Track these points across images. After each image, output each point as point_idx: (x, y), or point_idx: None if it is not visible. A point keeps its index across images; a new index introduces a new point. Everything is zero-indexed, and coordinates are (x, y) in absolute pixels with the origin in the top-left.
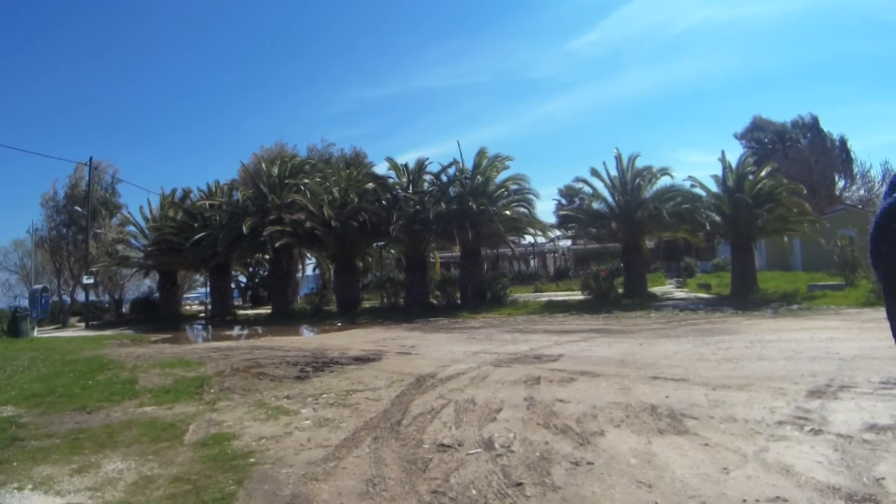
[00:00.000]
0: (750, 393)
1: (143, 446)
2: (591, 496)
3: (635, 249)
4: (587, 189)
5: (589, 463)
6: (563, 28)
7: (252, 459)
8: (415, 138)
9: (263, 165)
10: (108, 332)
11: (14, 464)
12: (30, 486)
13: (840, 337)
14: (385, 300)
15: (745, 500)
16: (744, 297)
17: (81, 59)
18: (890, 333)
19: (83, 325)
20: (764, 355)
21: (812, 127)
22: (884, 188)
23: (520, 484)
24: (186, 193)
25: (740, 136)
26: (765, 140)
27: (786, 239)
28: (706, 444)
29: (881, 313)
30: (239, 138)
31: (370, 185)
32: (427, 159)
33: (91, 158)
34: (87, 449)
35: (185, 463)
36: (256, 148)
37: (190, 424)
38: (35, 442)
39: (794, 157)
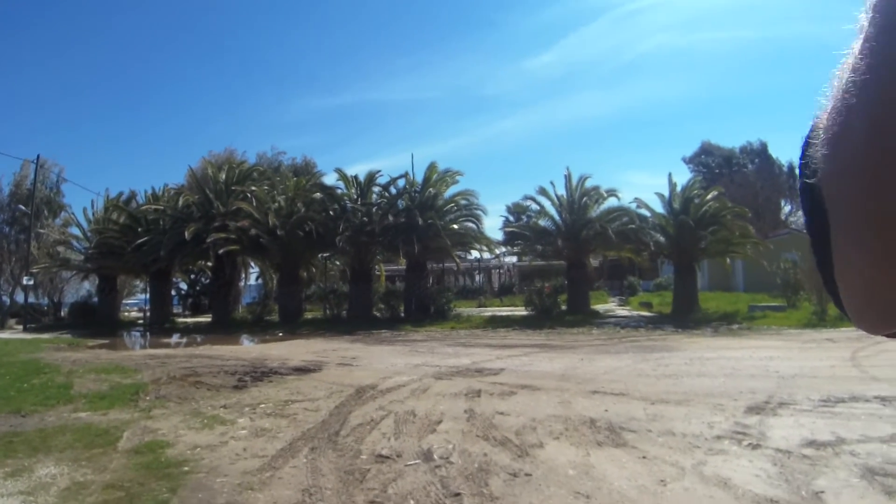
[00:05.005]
0: (689, 408)
1: (76, 452)
2: None
3: (580, 267)
4: (535, 207)
5: (527, 474)
6: (520, 48)
7: (186, 468)
8: (366, 150)
9: (210, 171)
10: (45, 336)
11: None
12: None
13: (780, 356)
14: (328, 311)
15: None
16: (685, 316)
17: (32, 56)
18: (831, 354)
19: (21, 327)
20: (703, 372)
21: (760, 153)
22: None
23: (458, 494)
24: (132, 196)
25: (688, 161)
26: (712, 165)
27: (728, 261)
28: (644, 457)
29: (822, 334)
30: (189, 143)
31: (318, 195)
32: (378, 171)
33: (38, 156)
34: (21, 453)
35: (118, 470)
36: (206, 153)
37: (124, 431)
38: None
39: (741, 182)
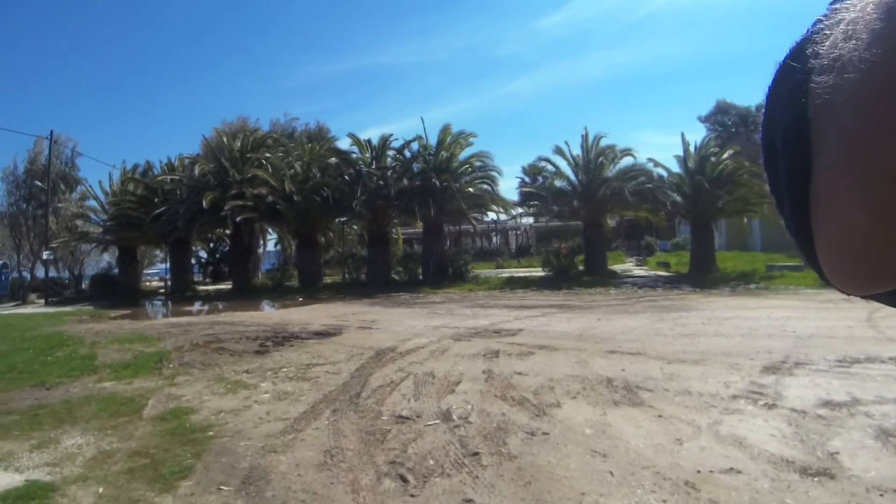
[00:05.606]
0: (705, 367)
1: (101, 421)
2: (547, 465)
3: (596, 227)
4: (550, 167)
5: (545, 433)
6: (529, 8)
7: (210, 433)
8: (378, 114)
9: (225, 139)
10: (67, 309)
11: None
12: None
13: (797, 316)
14: (347, 276)
15: (698, 471)
16: (702, 276)
17: (41, 31)
18: (848, 314)
19: (43, 301)
20: (720, 332)
21: None
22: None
23: (476, 454)
24: (148, 167)
25: (704, 119)
26: (728, 123)
27: (745, 220)
28: (660, 416)
29: (839, 295)
30: (201, 112)
31: (333, 159)
32: (391, 135)
33: (52, 132)
34: (47, 424)
35: (143, 437)
36: (219, 122)
37: (149, 399)
38: None
39: (757, 141)
